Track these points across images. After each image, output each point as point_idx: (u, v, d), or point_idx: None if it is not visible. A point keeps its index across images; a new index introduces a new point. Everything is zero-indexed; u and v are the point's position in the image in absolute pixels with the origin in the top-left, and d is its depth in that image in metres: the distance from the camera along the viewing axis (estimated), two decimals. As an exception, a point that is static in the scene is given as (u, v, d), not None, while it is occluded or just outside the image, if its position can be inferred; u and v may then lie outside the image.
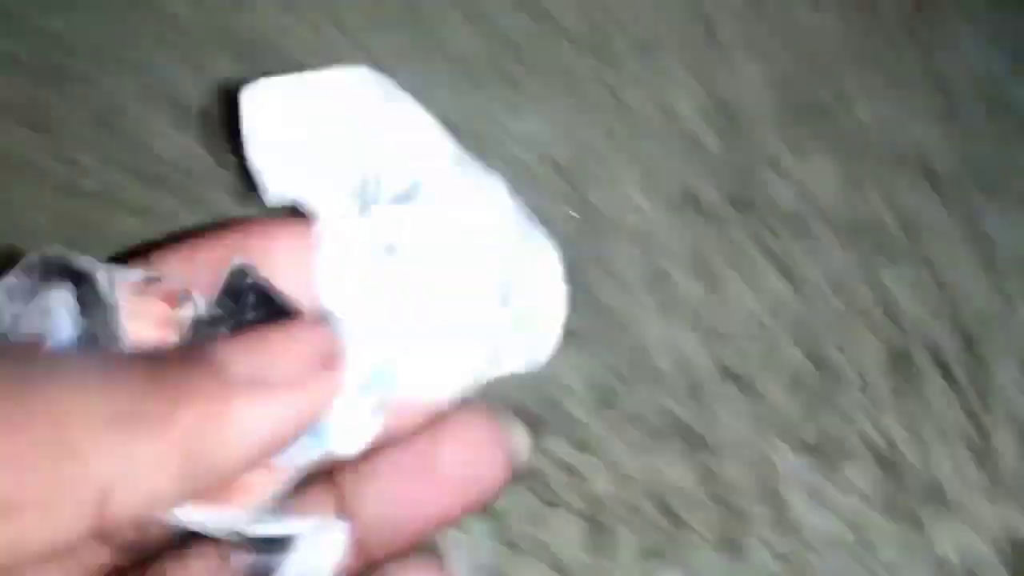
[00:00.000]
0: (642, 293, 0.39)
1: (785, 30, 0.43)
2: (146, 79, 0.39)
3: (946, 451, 0.36)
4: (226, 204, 0.38)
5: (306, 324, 0.24)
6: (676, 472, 0.37)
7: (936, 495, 0.35)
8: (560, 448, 0.37)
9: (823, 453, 0.36)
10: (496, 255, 0.26)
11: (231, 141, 0.26)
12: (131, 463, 0.19)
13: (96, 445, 0.18)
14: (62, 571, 0.23)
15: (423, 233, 0.25)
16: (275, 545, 0.23)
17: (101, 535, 0.20)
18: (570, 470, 0.37)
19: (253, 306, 0.24)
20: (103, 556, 0.24)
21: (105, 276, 0.22)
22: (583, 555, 0.36)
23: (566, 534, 0.36)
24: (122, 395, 0.19)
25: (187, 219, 0.38)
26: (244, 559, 0.23)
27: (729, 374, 0.38)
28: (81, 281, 0.22)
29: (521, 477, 0.36)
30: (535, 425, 0.37)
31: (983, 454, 0.36)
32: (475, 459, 0.26)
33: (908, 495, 0.36)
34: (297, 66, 0.25)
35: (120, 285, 0.22)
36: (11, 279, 0.21)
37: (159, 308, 0.22)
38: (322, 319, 0.24)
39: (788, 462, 0.36)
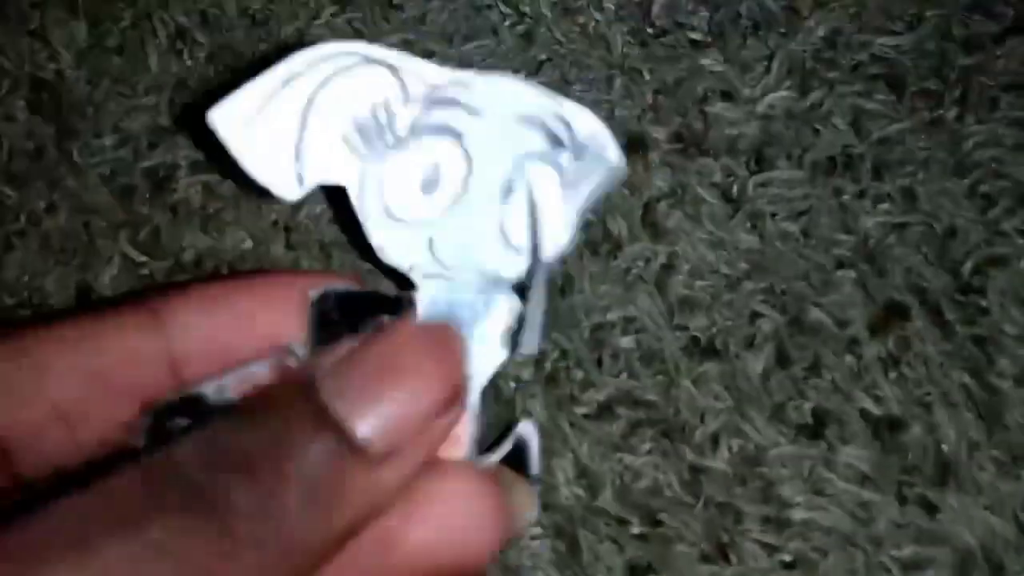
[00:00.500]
0: (587, 259, 0.33)
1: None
2: None
3: (951, 419, 0.31)
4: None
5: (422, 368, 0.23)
6: (653, 471, 0.31)
7: (946, 472, 0.31)
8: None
9: (817, 435, 0.31)
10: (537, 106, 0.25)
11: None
12: None
13: None
14: None
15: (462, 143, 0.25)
16: None
17: None
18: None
19: (347, 323, 0.25)
20: None
21: (214, 389, 0.24)
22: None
23: (536, 559, 0.30)
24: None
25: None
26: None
27: (701, 349, 0.32)
28: (195, 402, 0.24)
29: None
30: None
31: (991, 418, 0.31)
32: (455, 534, 0.24)
33: (915, 475, 0.31)
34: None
35: (235, 389, 0.24)
36: (143, 421, 0.24)
37: None
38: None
39: (779, 449, 0.31)
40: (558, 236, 0.25)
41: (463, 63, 0.35)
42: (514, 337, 0.26)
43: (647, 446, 0.31)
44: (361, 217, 0.25)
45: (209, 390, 0.25)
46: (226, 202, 0.34)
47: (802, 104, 0.34)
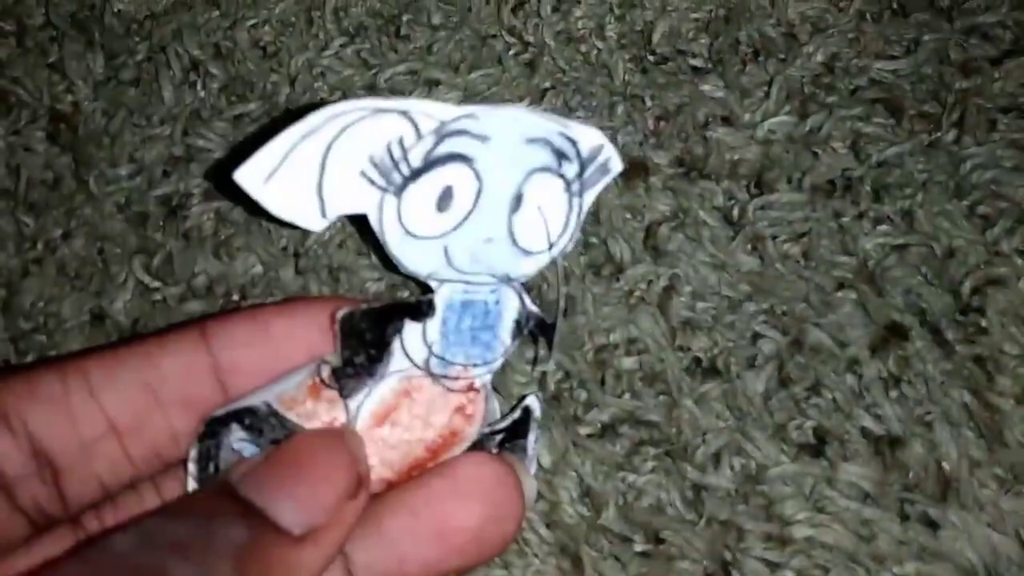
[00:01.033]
0: (590, 280, 0.33)
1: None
2: None
3: (952, 437, 0.31)
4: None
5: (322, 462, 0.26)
6: (656, 490, 0.31)
7: (947, 489, 0.31)
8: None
9: (819, 453, 0.31)
10: (543, 129, 0.27)
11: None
12: None
13: None
14: None
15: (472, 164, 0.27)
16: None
17: None
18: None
19: (374, 332, 0.27)
20: None
21: (261, 403, 0.27)
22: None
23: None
24: None
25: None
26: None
27: (703, 369, 0.33)
28: (248, 415, 0.27)
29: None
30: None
31: (992, 436, 0.32)
32: (490, 513, 0.27)
33: (916, 493, 0.31)
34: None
35: (279, 402, 0.27)
36: (197, 449, 0.27)
37: (316, 406, 0.27)
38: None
39: (781, 467, 0.31)
40: (565, 238, 0.28)
41: (469, 91, 0.36)
42: (521, 328, 0.28)
43: (650, 465, 0.32)
44: (382, 240, 0.27)
45: (257, 401, 0.27)
46: (237, 228, 0.34)
47: (801, 128, 0.35)
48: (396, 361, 0.27)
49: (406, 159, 0.26)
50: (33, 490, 0.25)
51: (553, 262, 0.28)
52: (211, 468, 0.27)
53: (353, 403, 0.27)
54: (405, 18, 0.37)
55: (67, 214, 0.35)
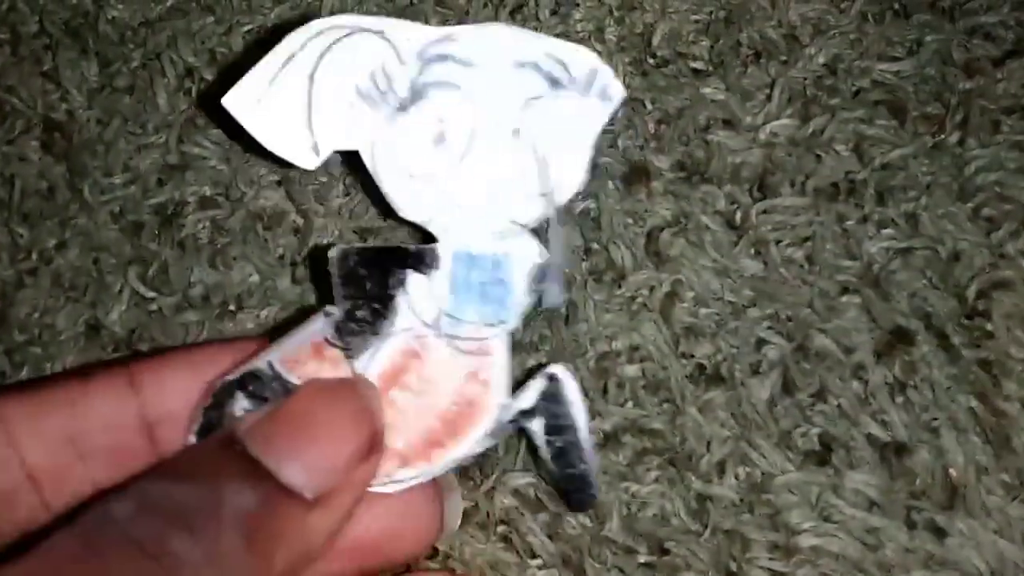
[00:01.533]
0: (591, 287, 0.33)
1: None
2: None
3: (959, 443, 0.31)
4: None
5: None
6: (660, 500, 0.31)
7: (954, 496, 0.31)
8: (518, 481, 0.31)
9: (825, 461, 0.31)
10: (528, 50, 0.26)
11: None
12: None
13: None
14: None
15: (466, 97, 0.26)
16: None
17: None
18: (537, 508, 0.31)
19: (374, 277, 0.26)
20: None
21: (265, 363, 0.26)
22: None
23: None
24: None
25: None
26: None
27: (706, 376, 0.32)
28: (251, 380, 0.26)
29: (483, 524, 0.31)
30: (493, 461, 0.31)
31: (999, 442, 0.31)
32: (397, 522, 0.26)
33: (923, 500, 0.31)
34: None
35: (282, 364, 0.26)
36: (202, 419, 0.26)
37: (319, 367, 0.26)
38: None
39: (786, 476, 0.31)
40: (571, 177, 0.26)
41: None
42: (537, 283, 0.27)
43: (653, 474, 0.31)
44: (377, 179, 0.26)
45: (261, 363, 0.26)
46: (233, 237, 0.34)
47: (804, 131, 0.34)
48: (402, 319, 0.26)
49: (392, 88, 0.26)
50: None
51: (557, 207, 0.27)
52: None
53: (359, 364, 0.26)
54: (402, 22, 0.37)
55: (61, 224, 0.34)
